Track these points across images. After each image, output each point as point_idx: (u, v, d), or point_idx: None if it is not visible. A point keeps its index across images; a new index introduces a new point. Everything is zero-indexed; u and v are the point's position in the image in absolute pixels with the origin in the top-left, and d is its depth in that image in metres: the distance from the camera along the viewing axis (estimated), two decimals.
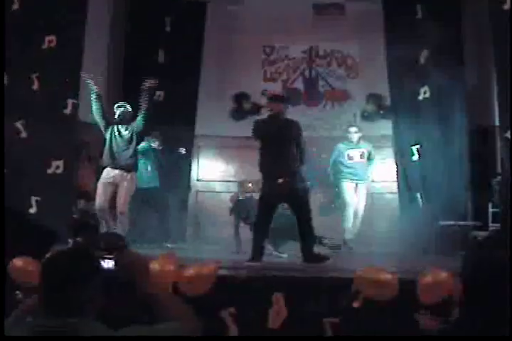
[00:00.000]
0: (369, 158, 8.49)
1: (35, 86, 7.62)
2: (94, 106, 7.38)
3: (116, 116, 7.59)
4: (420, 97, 8.74)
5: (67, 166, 7.77)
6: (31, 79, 7.59)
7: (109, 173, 7.43)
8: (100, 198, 7.32)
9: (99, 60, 9.31)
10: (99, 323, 2.23)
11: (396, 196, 9.12)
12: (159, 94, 9.69)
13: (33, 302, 2.54)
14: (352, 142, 8.49)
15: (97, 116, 7.43)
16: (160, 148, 8.91)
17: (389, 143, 9.36)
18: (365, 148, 8.47)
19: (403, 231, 8.51)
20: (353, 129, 8.57)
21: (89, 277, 2.26)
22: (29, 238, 5.90)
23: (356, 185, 8.35)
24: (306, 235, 6.40)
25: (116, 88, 9.49)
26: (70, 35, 7.83)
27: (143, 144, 8.27)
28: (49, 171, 7.66)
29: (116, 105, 7.67)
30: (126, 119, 7.56)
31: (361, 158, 8.38)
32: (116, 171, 7.41)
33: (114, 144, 7.46)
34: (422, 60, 8.71)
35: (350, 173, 8.38)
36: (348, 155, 8.40)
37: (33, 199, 7.47)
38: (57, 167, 7.69)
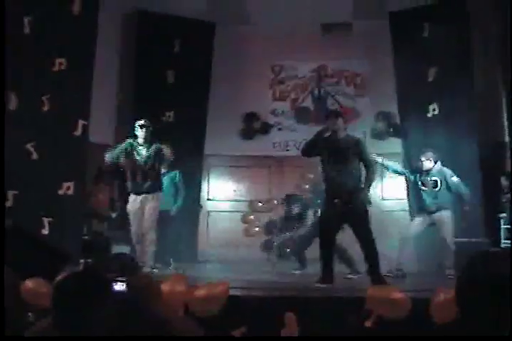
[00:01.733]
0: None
1: (46, 107, 7.69)
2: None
3: (140, 137, 7.59)
4: (429, 114, 8.76)
5: (78, 187, 7.81)
6: (42, 101, 7.67)
7: (136, 199, 7.55)
8: (133, 225, 7.50)
9: (109, 81, 9.41)
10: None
11: (407, 213, 9.07)
12: (169, 114, 9.78)
13: (46, 325, 2.54)
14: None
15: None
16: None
17: (399, 161, 9.34)
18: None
19: (417, 249, 8.46)
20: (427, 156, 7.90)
21: (100, 299, 2.27)
22: (41, 259, 5.93)
23: None
24: (370, 257, 6.35)
25: (127, 109, 9.55)
26: (80, 57, 7.93)
27: (171, 175, 8.48)
28: (60, 192, 7.71)
29: (139, 124, 7.64)
30: (148, 140, 7.59)
31: None
32: (140, 197, 7.53)
33: (136, 168, 7.54)
34: (431, 77, 8.74)
35: None
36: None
37: (45, 220, 7.51)
38: (68, 188, 7.74)
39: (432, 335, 4.52)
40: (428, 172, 7.78)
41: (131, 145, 7.58)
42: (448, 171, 7.76)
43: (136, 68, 9.85)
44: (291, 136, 10.58)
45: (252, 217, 10.35)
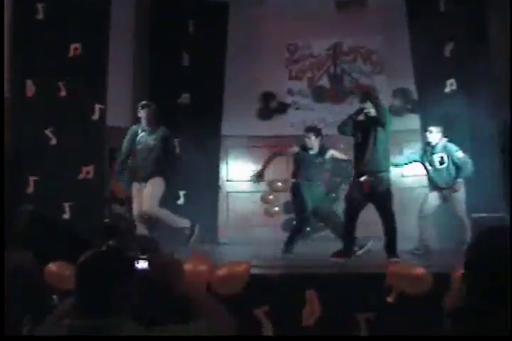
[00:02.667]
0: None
1: (63, 93, 7.75)
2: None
3: (143, 118, 7.22)
4: (447, 90, 8.70)
5: (97, 171, 7.89)
6: (58, 86, 7.73)
7: (135, 186, 7.29)
8: (135, 203, 7.29)
9: (125, 65, 9.44)
10: (135, 322, 2.28)
11: (427, 190, 9.05)
12: (185, 96, 9.80)
13: (68, 306, 2.59)
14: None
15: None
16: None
17: (417, 138, 9.31)
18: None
19: (436, 226, 8.47)
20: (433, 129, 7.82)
21: (123, 277, 2.31)
22: (64, 243, 6.02)
23: None
24: (389, 233, 6.53)
25: (141, 91, 9.59)
26: (94, 41, 7.96)
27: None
28: (80, 177, 7.79)
29: (140, 105, 7.30)
30: (151, 122, 7.21)
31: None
32: (138, 185, 7.27)
33: (137, 154, 7.24)
34: (447, 53, 8.67)
35: None
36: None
37: (66, 205, 7.61)
38: (88, 172, 7.82)
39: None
40: (433, 148, 7.70)
41: (136, 130, 7.28)
42: (453, 147, 7.66)
43: (151, 51, 9.85)
44: (309, 115, 10.59)
45: (271, 196, 10.37)
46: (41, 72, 7.62)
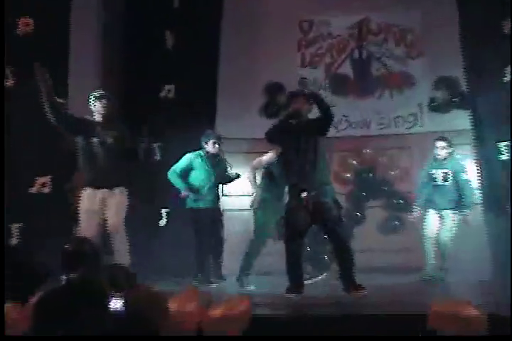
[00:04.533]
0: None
1: (10, 82, 7.72)
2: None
3: (97, 112, 7.32)
4: (505, 79, 8.68)
5: (56, 183, 7.83)
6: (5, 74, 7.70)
7: (94, 194, 7.27)
8: (88, 226, 7.20)
9: (90, 47, 9.39)
10: None
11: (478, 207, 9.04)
12: (169, 88, 9.76)
13: None
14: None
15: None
16: None
17: (467, 140, 9.30)
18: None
19: (492, 252, 8.45)
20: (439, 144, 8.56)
21: (92, 318, 2.28)
22: (12, 278, 5.95)
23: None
24: (344, 261, 6.78)
25: (111, 82, 9.54)
26: (50, 16, 7.93)
27: None
28: (32, 190, 7.74)
29: (93, 95, 7.37)
30: (111, 118, 7.36)
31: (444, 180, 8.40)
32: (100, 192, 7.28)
33: (94, 155, 7.25)
34: (506, 30, 8.65)
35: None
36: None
37: (14, 227, 7.56)
38: (43, 185, 7.77)
39: None
40: (441, 162, 8.38)
41: (87, 123, 7.30)
42: (462, 166, 8.37)
43: (126, 30, 9.82)
44: None
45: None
46: None
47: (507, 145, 8.63)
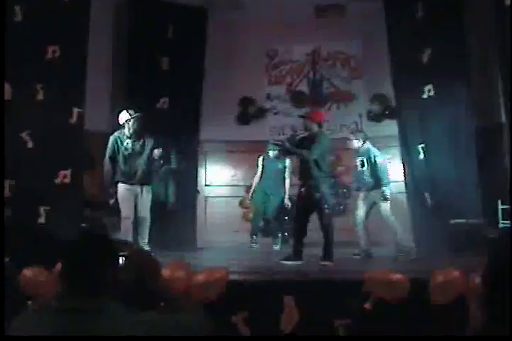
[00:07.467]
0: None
1: (40, 96, 7.66)
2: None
3: (127, 129, 7.45)
4: (425, 96, 8.72)
5: (75, 176, 7.81)
6: (35, 89, 7.64)
7: (129, 188, 7.44)
8: (128, 212, 7.36)
9: (103, 68, 9.36)
10: (122, 305, 2.24)
11: (404, 195, 9.09)
12: (164, 101, 9.73)
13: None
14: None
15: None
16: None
17: (395, 143, 9.35)
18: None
19: (414, 231, 8.51)
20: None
21: (109, 259, 2.30)
22: (39, 248, 5.94)
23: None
24: (326, 238, 7.02)
25: (120, 95, 9.51)
26: (73, 44, 7.89)
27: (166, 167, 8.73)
28: (57, 181, 7.70)
29: (124, 118, 7.50)
30: (137, 132, 7.46)
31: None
32: (133, 187, 7.45)
33: (128, 160, 7.43)
34: (425, 59, 8.69)
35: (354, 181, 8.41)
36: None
37: (42, 209, 7.51)
38: (65, 176, 7.73)
39: (429, 316, 4.57)
40: (357, 152, 8.07)
41: (118, 138, 7.45)
42: (374, 152, 7.98)
43: (130, 55, 9.73)
44: (287, 121, 10.57)
45: (249, 201, 10.35)
46: (19, 74, 7.50)
47: (423, 147, 8.68)
